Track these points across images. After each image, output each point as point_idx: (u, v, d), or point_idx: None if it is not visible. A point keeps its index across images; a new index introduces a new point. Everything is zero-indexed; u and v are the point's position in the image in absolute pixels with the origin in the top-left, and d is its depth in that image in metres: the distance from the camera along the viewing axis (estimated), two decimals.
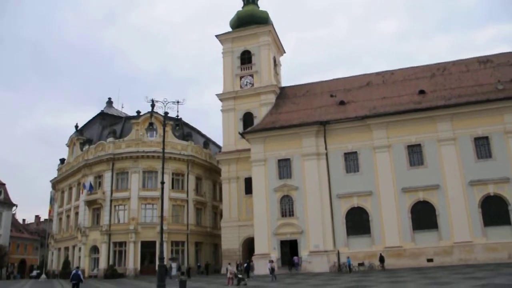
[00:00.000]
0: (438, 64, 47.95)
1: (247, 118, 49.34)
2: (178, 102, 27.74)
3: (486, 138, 38.48)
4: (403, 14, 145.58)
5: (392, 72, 48.80)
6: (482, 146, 38.55)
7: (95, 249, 49.27)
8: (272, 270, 32.06)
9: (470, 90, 41.63)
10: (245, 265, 36.65)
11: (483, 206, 37.09)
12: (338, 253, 38.54)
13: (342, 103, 44.98)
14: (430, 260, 36.60)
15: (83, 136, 59.28)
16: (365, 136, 40.81)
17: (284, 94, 50.49)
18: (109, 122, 58.30)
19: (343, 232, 39.24)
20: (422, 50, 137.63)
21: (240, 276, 29.17)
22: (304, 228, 39.70)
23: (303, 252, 39.33)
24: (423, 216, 38.04)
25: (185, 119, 64.48)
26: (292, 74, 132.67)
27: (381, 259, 36.46)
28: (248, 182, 45.15)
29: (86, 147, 54.60)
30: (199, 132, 62.51)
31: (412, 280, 25.16)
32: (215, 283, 33.11)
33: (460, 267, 32.83)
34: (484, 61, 46.03)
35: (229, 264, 32.60)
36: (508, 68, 43.52)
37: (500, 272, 26.14)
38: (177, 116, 29.47)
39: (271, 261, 34.10)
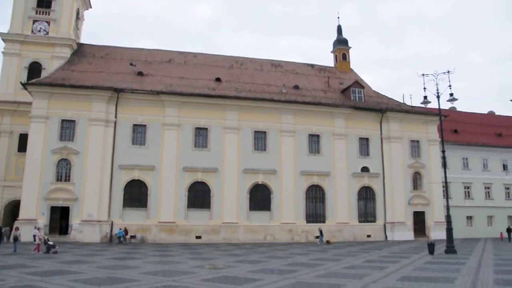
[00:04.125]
0: (238, 57, 51.43)
1: (34, 68, 44.17)
2: None
3: (264, 132, 42.92)
4: (218, 2, 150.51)
5: (194, 55, 50.29)
6: (260, 139, 42.85)
7: None
8: (15, 239, 27.39)
9: (260, 88, 45.79)
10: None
11: (252, 192, 41.39)
12: (112, 224, 37.98)
13: (140, 73, 44.29)
14: (198, 237, 39.07)
15: None
16: (157, 111, 40.93)
17: (81, 52, 47.00)
18: None
19: (119, 204, 38.70)
20: (227, 41, 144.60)
21: (50, 243, 26.45)
22: (80, 195, 37.84)
23: (75, 220, 37.46)
24: (199, 196, 40.36)
25: None
26: (94, 32, 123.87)
27: (125, 232, 36.93)
28: (24, 138, 40.65)
29: None
30: None
31: (179, 254, 26.70)
32: None
33: (224, 245, 36.06)
34: (276, 65, 51.37)
35: (37, 228, 28.78)
36: (293, 76, 49.51)
37: (255, 251, 29.92)
38: None
39: (17, 228, 29.65)
